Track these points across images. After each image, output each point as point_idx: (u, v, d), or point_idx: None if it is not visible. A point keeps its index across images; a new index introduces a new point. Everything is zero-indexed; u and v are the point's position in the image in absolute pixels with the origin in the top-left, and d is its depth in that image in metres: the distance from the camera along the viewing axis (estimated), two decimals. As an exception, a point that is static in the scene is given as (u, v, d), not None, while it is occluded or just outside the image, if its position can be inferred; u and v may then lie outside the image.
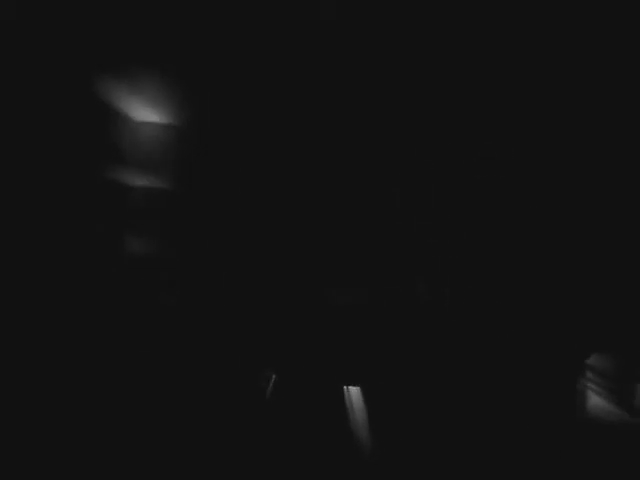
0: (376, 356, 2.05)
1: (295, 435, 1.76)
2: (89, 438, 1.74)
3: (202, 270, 2.25)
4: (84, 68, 2.10)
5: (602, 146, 1.96)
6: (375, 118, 2.12)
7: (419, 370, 1.99)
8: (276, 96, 2.14)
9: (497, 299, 2.06)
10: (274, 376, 1.95)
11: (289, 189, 2.21)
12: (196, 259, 2.25)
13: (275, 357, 2.03)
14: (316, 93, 2.11)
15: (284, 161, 2.20)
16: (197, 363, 2.09)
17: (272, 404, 1.86)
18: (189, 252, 2.25)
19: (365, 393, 1.93)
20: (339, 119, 2.15)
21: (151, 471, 1.58)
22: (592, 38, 1.83)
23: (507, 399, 1.91)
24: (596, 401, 1.93)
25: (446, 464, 1.67)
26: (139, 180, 2.17)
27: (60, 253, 2.16)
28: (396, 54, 1.97)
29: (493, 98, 2.00)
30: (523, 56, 1.92)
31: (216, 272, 2.25)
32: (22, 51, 2.05)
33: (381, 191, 2.16)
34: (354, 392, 1.93)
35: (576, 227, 1.99)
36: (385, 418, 1.85)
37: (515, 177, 2.05)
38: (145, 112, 2.13)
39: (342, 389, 1.93)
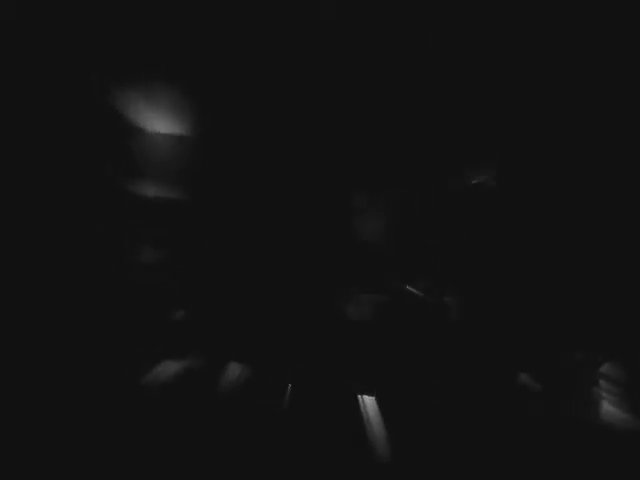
0: (390, 365, 2.05)
1: (310, 445, 1.76)
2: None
3: (212, 281, 2.25)
4: (97, 78, 2.09)
5: (603, 146, 1.96)
6: (377, 120, 2.12)
7: (431, 377, 2.00)
8: (287, 104, 2.14)
9: (504, 304, 2.07)
10: (290, 386, 1.95)
11: (302, 198, 2.22)
12: (207, 270, 2.25)
13: (288, 367, 2.04)
14: (324, 99, 2.11)
15: (296, 170, 2.21)
16: (206, 372, 2.09)
17: (287, 414, 1.86)
18: (200, 263, 2.25)
19: (380, 403, 1.94)
20: (348, 124, 2.15)
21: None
22: (592, 38, 1.83)
23: (517, 405, 1.92)
24: (609, 409, 1.94)
25: (460, 474, 1.67)
26: (152, 191, 2.17)
27: (72, 264, 2.15)
28: (396, 54, 1.97)
29: (492, 98, 2.00)
30: (523, 61, 1.92)
31: (227, 283, 2.25)
32: (36, 60, 2.05)
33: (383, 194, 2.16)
34: (369, 402, 1.93)
35: (585, 229, 1.99)
36: (401, 428, 1.85)
37: (515, 177, 2.06)
38: (159, 123, 2.13)
39: (357, 399, 1.93)
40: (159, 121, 2.12)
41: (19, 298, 2.02)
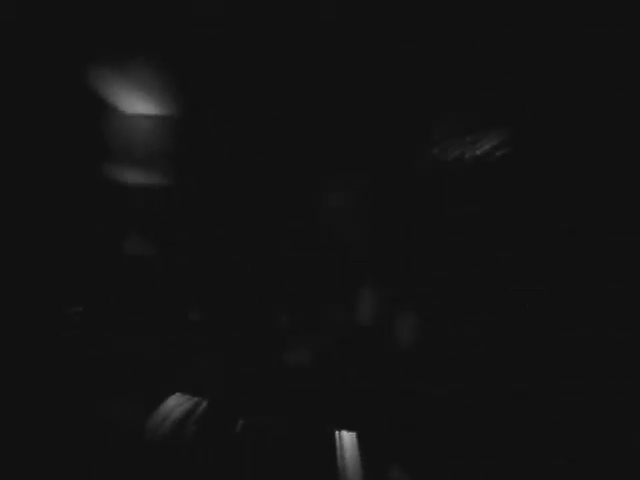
0: (369, 398, 1.78)
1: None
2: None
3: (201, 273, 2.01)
4: (74, 58, 1.95)
5: (604, 145, 1.79)
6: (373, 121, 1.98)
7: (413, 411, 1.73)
8: (273, 89, 2.00)
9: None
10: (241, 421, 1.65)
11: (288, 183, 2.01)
12: (193, 260, 2.01)
13: (257, 400, 1.75)
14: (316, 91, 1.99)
15: (279, 154, 2.02)
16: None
17: (256, 450, 1.56)
18: (186, 253, 2.02)
19: (360, 438, 1.65)
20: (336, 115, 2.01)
21: None
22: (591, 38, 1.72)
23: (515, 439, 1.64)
24: None
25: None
26: (134, 177, 1.97)
27: (55, 254, 1.93)
28: (396, 55, 1.87)
29: (491, 98, 1.86)
30: (523, 62, 1.80)
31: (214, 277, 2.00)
32: (9, 38, 1.91)
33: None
34: (347, 437, 1.65)
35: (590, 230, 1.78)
36: (380, 464, 1.58)
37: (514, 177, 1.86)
38: (139, 104, 1.96)
39: (333, 435, 1.65)
40: (139, 102, 1.95)
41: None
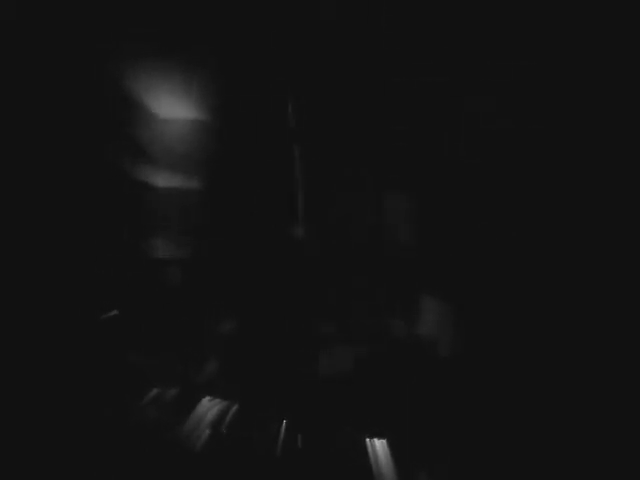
0: (400, 405, 1.80)
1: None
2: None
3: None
4: (108, 62, 1.95)
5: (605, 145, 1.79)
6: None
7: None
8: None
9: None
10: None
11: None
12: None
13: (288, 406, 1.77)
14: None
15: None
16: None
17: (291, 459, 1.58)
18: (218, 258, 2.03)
19: (391, 446, 1.68)
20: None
21: None
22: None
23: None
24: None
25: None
26: (166, 179, 1.97)
27: (82, 256, 1.94)
28: (396, 55, 1.87)
29: (491, 98, 1.85)
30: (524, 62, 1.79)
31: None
32: (45, 42, 1.91)
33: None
34: (379, 445, 1.67)
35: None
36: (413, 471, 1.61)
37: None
38: (171, 107, 1.96)
39: (365, 442, 1.68)
40: (172, 105, 1.95)
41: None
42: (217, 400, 1.76)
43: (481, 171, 1.90)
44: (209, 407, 1.73)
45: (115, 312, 1.86)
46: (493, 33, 1.77)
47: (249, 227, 1.98)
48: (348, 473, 1.59)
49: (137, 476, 1.58)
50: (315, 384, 1.78)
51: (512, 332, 1.78)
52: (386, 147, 2.05)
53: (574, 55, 1.74)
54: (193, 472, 1.57)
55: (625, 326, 1.65)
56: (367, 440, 1.67)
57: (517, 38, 1.74)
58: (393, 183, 2.02)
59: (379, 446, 1.66)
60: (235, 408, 1.73)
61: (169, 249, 1.96)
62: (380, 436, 1.69)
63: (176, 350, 1.88)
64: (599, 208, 1.74)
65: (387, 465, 1.60)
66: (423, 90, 1.95)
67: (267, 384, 1.82)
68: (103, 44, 1.90)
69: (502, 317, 1.79)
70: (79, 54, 1.90)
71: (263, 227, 1.98)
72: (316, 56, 1.97)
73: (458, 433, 1.70)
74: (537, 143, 1.81)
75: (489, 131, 1.86)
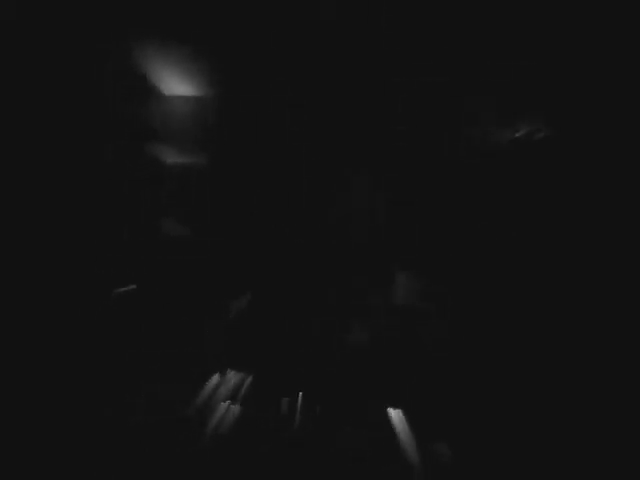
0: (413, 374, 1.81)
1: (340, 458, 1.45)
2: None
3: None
4: (115, 41, 1.97)
5: (605, 145, 1.93)
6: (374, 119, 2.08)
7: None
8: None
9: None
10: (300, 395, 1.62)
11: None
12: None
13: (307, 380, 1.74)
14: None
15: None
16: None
17: (309, 430, 1.54)
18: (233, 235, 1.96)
19: (408, 415, 1.67)
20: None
21: None
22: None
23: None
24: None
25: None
26: (173, 156, 1.96)
27: (93, 235, 1.86)
28: (396, 55, 1.94)
29: (490, 97, 1.95)
30: (524, 62, 1.89)
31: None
32: (51, 22, 1.91)
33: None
34: (395, 415, 1.67)
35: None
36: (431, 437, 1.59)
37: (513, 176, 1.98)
38: (177, 85, 1.98)
39: (385, 411, 1.67)
40: (178, 83, 1.97)
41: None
42: (232, 373, 1.70)
43: (481, 171, 2.01)
44: (222, 381, 1.66)
45: (133, 286, 1.78)
46: (493, 33, 1.94)
47: (264, 205, 1.97)
48: (372, 440, 1.56)
49: (137, 476, 1.47)
50: (332, 356, 1.77)
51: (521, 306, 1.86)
52: (386, 147, 2.14)
53: (574, 55, 1.83)
54: (193, 472, 1.48)
55: (619, 320, 1.76)
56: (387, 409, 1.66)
57: (517, 38, 1.85)
58: (393, 183, 2.09)
59: (395, 415, 1.66)
60: (248, 382, 1.67)
61: (179, 229, 1.92)
62: (397, 406, 1.69)
63: (190, 327, 1.81)
64: (598, 207, 1.86)
65: (405, 434, 1.59)
66: (423, 90, 2.09)
67: (281, 357, 1.78)
68: (115, 27, 1.91)
69: (505, 300, 1.87)
70: (94, 37, 1.90)
71: (263, 226, 1.97)
72: (316, 56, 2.04)
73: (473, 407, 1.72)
74: (537, 143, 1.95)
75: (489, 131, 1.99)
